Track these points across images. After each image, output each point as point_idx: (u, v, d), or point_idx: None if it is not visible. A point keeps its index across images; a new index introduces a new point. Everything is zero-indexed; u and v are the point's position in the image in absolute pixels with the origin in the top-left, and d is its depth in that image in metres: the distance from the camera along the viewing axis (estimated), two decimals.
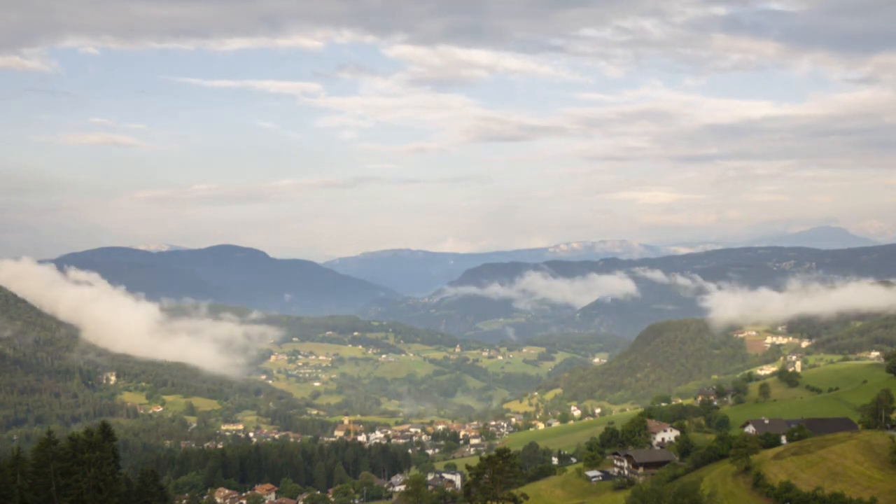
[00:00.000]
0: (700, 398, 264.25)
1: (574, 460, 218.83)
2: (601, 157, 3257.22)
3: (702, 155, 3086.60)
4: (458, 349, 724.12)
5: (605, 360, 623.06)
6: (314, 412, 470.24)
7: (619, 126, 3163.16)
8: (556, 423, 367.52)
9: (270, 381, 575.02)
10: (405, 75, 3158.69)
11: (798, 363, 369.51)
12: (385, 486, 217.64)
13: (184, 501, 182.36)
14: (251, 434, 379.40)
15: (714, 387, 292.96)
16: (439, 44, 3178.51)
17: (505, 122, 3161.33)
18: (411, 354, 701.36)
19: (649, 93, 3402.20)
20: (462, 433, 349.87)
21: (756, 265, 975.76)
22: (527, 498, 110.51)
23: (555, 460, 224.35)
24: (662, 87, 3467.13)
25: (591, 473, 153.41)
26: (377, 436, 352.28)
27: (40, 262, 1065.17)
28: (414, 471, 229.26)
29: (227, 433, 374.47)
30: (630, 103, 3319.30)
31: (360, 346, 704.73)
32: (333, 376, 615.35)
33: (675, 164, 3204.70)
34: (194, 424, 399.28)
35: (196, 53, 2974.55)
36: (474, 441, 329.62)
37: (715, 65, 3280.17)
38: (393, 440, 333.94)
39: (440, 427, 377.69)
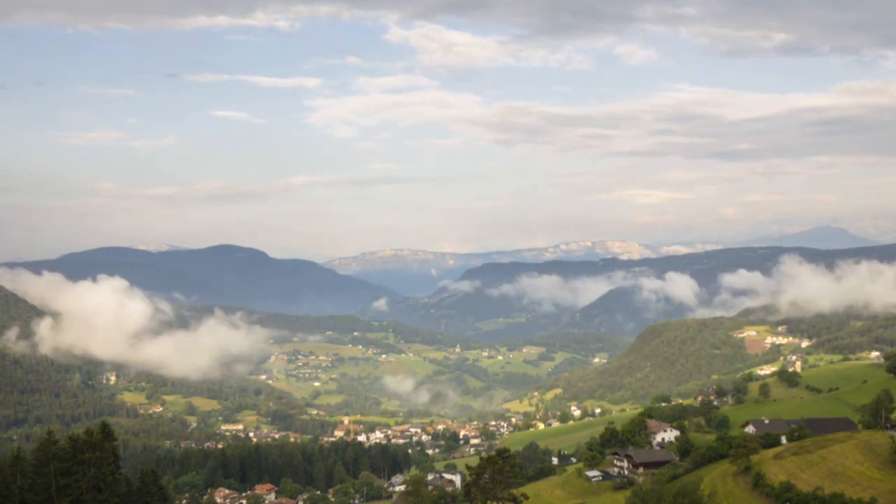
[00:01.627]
0: (700, 398, 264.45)
1: (574, 460, 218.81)
2: (608, 154, 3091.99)
3: (729, 151, 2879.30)
4: (458, 349, 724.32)
5: (605, 360, 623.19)
6: (314, 412, 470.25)
7: (639, 122, 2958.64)
8: (556, 423, 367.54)
9: (270, 381, 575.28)
10: (400, 64, 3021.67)
11: (798, 363, 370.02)
12: (385, 486, 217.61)
13: (184, 501, 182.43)
14: (251, 434, 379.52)
15: (714, 387, 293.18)
16: (432, 22, 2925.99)
17: (510, 119, 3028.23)
18: (411, 354, 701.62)
19: (672, 84, 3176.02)
20: (462, 433, 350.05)
21: (756, 265, 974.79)
22: (527, 498, 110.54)
23: (555, 460, 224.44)
24: (691, 74, 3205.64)
25: (591, 473, 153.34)
26: (377, 436, 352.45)
27: (40, 262, 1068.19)
28: (414, 471, 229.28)
29: (227, 433, 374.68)
30: (652, 97, 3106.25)
31: (360, 346, 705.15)
32: (333, 376, 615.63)
33: (683, 161, 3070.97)
34: (194, 424, 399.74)
35: (160, 34, 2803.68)
36: (474, 441, 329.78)
37: (758, 45, 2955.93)
38: (393, 440, 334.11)
39: (440, 427, 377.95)
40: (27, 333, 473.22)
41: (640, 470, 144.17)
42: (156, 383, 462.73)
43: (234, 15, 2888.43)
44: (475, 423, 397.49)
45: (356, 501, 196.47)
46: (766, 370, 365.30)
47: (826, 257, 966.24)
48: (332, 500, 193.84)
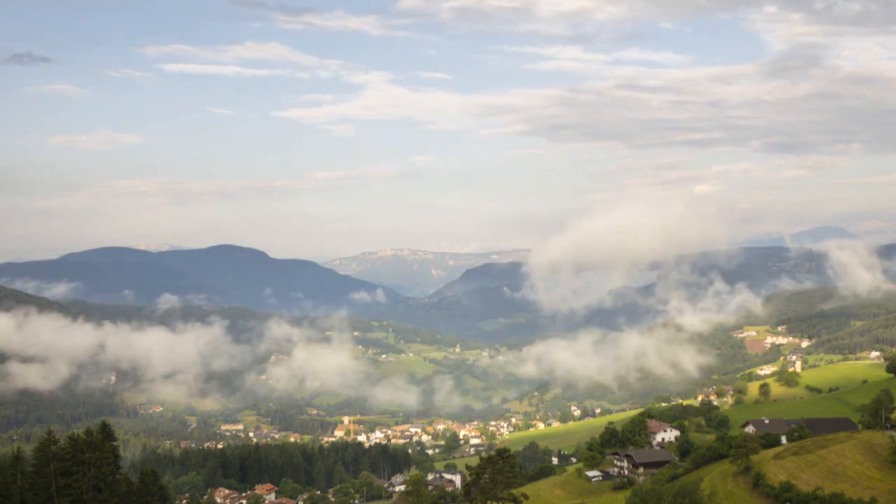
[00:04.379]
0: (700, 398, 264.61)
1: (574, 460, 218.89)
2: (628, 149, 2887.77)
3: (790, 143, 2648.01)
4: (458, 349, 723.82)
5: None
6: (314, 412, 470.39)
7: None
8: (556, 423, 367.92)
9: (270, 382, 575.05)
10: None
11: (798, 363, 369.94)
12: (385, 486, 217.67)
13: (184, 501, 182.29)
14: (251, 434, 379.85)
15: (714, 387, 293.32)
16: None
17: (524, 110, 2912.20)
18: (411, 354, 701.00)
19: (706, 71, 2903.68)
20: (462, 433, 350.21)
21: (756, 265, 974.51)
22: (527, 498, 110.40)
23: (555, 460, 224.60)
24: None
25: (591, 473, 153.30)
26: (377, 436, 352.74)
27: (40, 262, 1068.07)
28: (414, 471, 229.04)
29: (227, 433, 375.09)
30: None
31: (360, 346, 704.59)
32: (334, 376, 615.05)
33: (729, 151, 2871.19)
34: (194, 424, 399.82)
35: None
36: (474, 441, 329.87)
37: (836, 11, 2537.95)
38: (393, 440, 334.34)
39: (440, 427, 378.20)
40: (27, 333, 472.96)
41: (640, 470, 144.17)
42: (156, 383, 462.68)
43: None
44: (475, 423, 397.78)
45: (356, 501, 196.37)
46: (766, 370, 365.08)
47: (825, 257, 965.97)
48: (332, 500, 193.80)
